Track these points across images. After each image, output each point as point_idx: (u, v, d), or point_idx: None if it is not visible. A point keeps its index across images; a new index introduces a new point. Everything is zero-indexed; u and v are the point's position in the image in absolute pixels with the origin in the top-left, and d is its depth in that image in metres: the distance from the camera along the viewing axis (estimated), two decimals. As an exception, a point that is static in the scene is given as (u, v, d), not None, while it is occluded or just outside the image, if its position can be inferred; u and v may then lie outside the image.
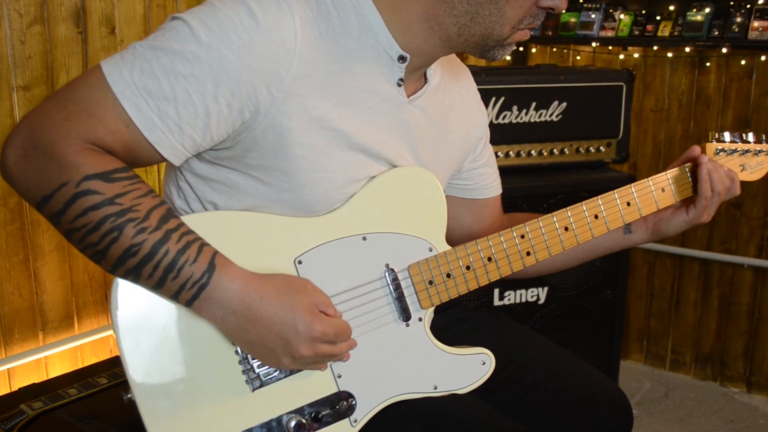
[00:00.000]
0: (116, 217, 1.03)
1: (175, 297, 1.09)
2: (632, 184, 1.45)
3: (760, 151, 1.55)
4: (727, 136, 1.52)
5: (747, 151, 1.54)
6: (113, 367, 1.97)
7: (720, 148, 1.52)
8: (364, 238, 1.25)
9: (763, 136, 1.55)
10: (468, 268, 1.33)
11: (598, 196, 1.42)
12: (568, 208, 1.40)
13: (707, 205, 1.46)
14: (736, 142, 1.53)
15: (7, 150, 1.05)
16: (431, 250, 1.31)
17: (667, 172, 1.48)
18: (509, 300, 2.40)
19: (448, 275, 1.32)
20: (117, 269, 1.07)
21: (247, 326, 1.11)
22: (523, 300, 2.42)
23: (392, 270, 1.28)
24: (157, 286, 1.08)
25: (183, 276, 1.07)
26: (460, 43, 1.23)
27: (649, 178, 1.47)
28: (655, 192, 1.47)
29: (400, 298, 1.29)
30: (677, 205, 1.51)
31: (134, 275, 1.07)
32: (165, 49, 1.06)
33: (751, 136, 1.54)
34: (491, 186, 1.58)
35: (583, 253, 1.55)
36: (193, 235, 1.09)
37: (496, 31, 1.20)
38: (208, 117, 1.09)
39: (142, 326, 1.12)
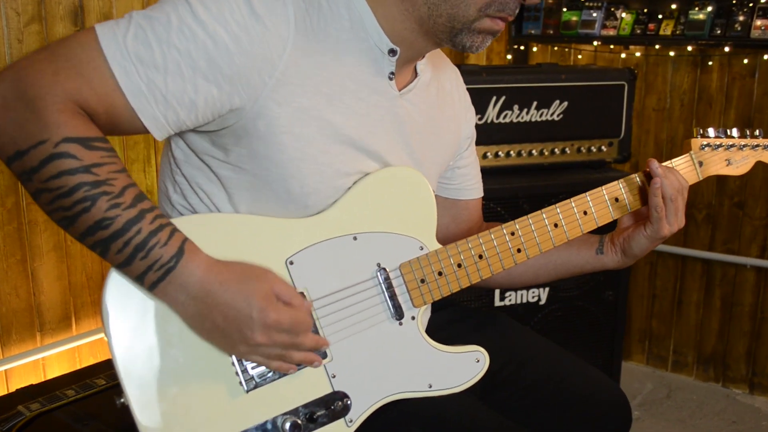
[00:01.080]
0: (90, 187, 1.02)
1: (140, 278, 1.08)
2: (620, 180, 1.44)
3: (744, 146, 1.55)
4: (711, 131, 1.52)
5: (732, 146, 1.54)
6: (111, 368, 1.93)
7: (705, 143, 1.52)
8: (355, 238, 1.25)
9: (747, 131, 1.55)
10: (459, 265, 1.33)
11: (586, 192, 1.42)
12: (556, 205, 1.39)
13: (661, 217, 1.39)
14: (721, 137, 1.53)
15: None
16: (422, 249, 1.30)
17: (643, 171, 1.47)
18: (510, 300, 2.40)
19: (440, 273, 1.31)
20: (85, 238, 1.06)
21: (204, 312, 1.10)
22: (524, 300, 2.41)
23: (384, 269, 1.27)
24: (125, 264, 1.06)
25: (152, 257, 1.06)
26: (431, 26, 1.22)
27: (635, 174, 1.46)
28: (644, 186, 1.46)
29: (393, 297, 1.28)
30: (632, 223, 1.47)
31: (102, 248, 1.06)
32: (162, 20, 1.07)
33: (735, 131, 1.54)
34: (473, 188, 1.57)
35: (554, 269, 1.52)
36: (165, 219, 1.09)
37: (462, 12, 1.19)
38: (195, 94, 1.09)
39: (134, 330, 1.11)
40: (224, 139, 1.18)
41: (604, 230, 1.49)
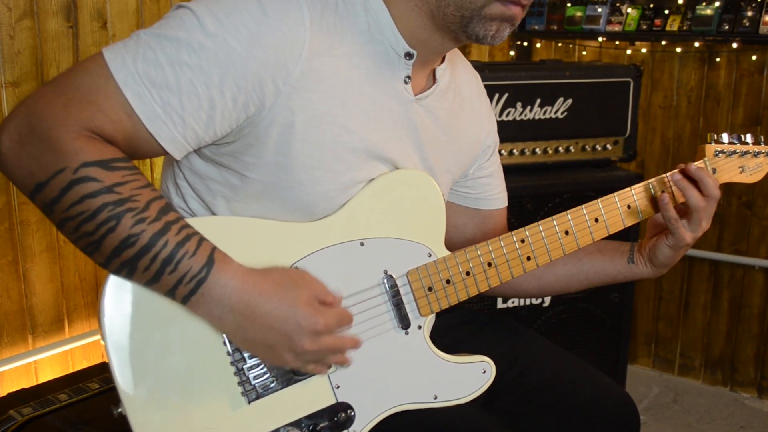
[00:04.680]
0: (114, 206, 1.00)
1: (171, 292, 1.06)
2: (632, 187, 1.42)
3: (759, 153, 1.52)
4: (725, 137, 1.49)
5: (746, 153, 1.50)
6: (105, 371, 1.95)
7: (719, 149, 1.49)
8: (362, 244, 1.23)
9: (762, 137, 1.52)
10: (468, 273, 1.31)
11: (598, 199, 1.39)
12: (568, 212, 1.37)
13: (677, 227, 1.36)
14: (735, 144, 1.50)
15: (2, 135, 1.02)
16: (430, 256, 1.29)
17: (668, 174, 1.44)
18: (513, 303, 2.38)
19: (448, 281, 1.30)
20: (111, 261, 1.04)
21: (245, 324, 1.09)
22: (528, 303, 2.40)
23: (391, 276, 1.26)
24: (153, 280, 1.05)
25: (181, 270, 1.04)
26: (440, 18, 1.19)
27: (648, 181, 1.43)
28: (655, 195, 1.43)
29: (399, 306, 1.27)
30: (656, 232, 1.44)
31: (129, 268, 1.04)
32: (170, 38, 1.05)
33: (749, 137, 1.51)
34: (496, 197, 1.55)
35: (587, 278, 1.49)
36: (192, 229, 1.07)
37: None
38: (212, 110, 1.07)
39: (132, 337, 1.09)
40: (233, 147, 1.15)
41: (623, 238, 1.46)
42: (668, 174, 1.41)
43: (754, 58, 2.87)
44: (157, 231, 1.03)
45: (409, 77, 1.24)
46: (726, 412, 2.96)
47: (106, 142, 1.04)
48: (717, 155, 1.48)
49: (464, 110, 1.41)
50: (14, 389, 1.90)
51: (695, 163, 1.40)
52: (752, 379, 3.06)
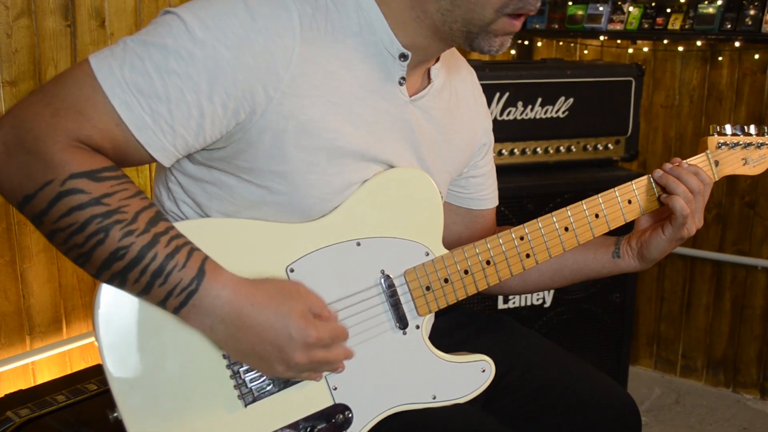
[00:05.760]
0: (102, 218, 1.00)
1: (162, 304, 1.06)
2: (633, 181, 1.41)
3: (762, 144, 1.50)
4: (728, 129, 1.48)
5: (749, 144, 1.49)
6: (103, 373, 1.93)
7: (722, 141, 1.47)
8: (359, 244, 1.22)
9: (765, 128, 1.51)
10: (466, 272, 1.30)
11: (598, 194, 1.38)
12: (567, 208, 1.36)
13: (685, 220, 1.35)
14: (738, 135, 1.48)
15: None
16: (428, 255, 1.27)
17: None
18: (514, 303, 2.37)
19: (446, 280, 1.28)
20: (102, 273, 1.04)
21: (237, 334, 1.08)
22: (529, 303, 2.39)
23: (388, 276, 1.25)
24: (144, 291, 1.05)
25: (171, 282, 1.04)
26: (445, 32, 1.19)
27: (648, 175, 1.42)
28: (656, 188, 1.42)
29: (397, 306, 1.26)
30: (649, 225, 1.43)
31: (120, 280, 1.04)
32: (158, 45, 1.04)
33: (753, 129, 1.49)
34: (488, 198, 1.54)
35: (570, 274, 1.49)
36: (183, 239, 1.07)
37: (477, 15, 1.16)
38: (201, 117, 1.06)
39: (127, 343, 1.08)
40: (224, 152, 1.14)
41: (621, 232, 1.45)
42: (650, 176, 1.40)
43: (756, 57, 2.86)
44: (146, 243, 1.02)
45: (403, 78, 1.23)
46: (728, 414, 2.95)
47: (95, 152, 1.03)
48: (720, 147, 1.47)
49: (460, 108, 1.40)
50: (12, 390, 1.90)
51: (665, 165, 1.40)
52: (755, 380, 3.05)
